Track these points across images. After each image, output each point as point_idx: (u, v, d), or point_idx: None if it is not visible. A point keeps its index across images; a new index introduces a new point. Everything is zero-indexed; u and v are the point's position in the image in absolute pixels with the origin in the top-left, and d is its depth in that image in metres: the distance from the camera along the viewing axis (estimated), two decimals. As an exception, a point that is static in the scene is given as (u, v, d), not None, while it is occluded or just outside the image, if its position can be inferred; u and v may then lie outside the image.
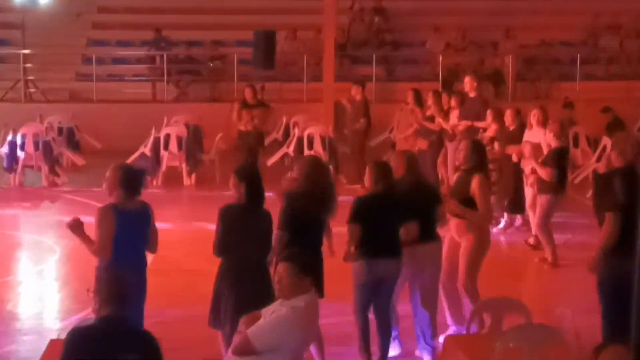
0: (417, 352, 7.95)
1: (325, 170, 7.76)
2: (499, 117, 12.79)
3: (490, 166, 10.25)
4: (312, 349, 7.28)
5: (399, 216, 7.59)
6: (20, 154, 16.21)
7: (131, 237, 6.71)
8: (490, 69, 21.86)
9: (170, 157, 16.46)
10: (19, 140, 16.22)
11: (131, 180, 6.75)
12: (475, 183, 8.04)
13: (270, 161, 16.87)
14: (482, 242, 8.21)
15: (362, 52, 22.72)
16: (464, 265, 8.15)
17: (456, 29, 22.85)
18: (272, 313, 5.85)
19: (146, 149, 16.61)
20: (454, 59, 22.13)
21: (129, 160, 15.48)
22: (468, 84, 14.41)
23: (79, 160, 17.82)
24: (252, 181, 7.05)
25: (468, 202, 8.09)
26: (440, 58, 21.63)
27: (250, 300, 6.68)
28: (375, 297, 7.55)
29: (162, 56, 21.68)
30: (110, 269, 5.98)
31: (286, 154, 17.14)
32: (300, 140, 16.55)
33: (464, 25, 22.94)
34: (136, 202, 6.81)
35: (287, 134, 18.09)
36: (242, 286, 6.89)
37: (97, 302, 5.17)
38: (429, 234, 7.88)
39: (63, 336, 5.30)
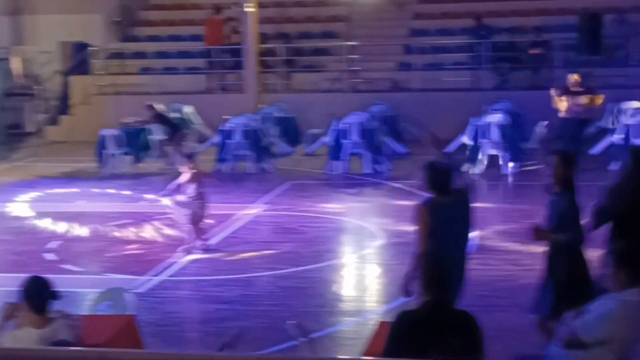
0: None
1: None
2: None
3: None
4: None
5: None
6: (345, 142, 16.82)
7: (447, 228, 6.82)
8: None
9: (490, 145, 16.30)
10: (342, 129, 16.85)
11: (439, 181, 6.91)
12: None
13: (595, 150, 16.23)
14: None
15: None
16: None
17: None
18: (599, 306, 5.61)
19: (465, 138, 16.58)
20: None
21: (449, 149, 15.55)
22: None
23: (401, 149, 18.17)
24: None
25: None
26: None
27: (566, 288, 6.62)
28: None
29: (481, 44, 21.53)
30: (429, 256, 6.09)
31: (612, 143, 16.40)
32: (628, 129, 15.77)
33: None
34: (452, 193, 6.92)
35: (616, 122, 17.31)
36: (561, 274, 6.77)
37: (420, 287, 5.30)
38: None
39: (387, 319, 5.36)
